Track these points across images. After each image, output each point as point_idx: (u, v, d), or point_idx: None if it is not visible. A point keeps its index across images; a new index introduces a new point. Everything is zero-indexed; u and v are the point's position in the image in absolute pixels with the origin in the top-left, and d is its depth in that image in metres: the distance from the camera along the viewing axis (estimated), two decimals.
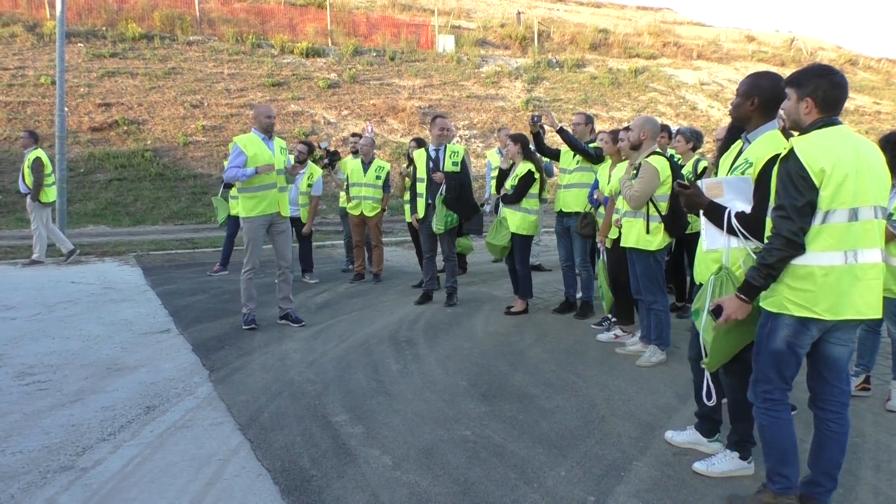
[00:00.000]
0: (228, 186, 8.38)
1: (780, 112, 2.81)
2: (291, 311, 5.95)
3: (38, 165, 8.76)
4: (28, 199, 8.93)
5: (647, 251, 4.76)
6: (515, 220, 6.25)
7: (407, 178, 7.64)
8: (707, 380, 3.24)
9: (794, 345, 2.61)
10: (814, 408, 2.77)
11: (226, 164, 8.39)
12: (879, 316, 2.64)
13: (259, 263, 5.82)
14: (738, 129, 3.20)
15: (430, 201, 6.63)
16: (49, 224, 9.12)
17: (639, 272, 4.88)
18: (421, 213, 6.74)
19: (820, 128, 2.59)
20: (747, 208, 2.90)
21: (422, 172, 6.66)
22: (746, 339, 2.95)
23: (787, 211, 2.52)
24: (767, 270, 2.57)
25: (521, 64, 24.77)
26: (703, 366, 3.11)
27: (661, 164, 4.65)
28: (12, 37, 18.35)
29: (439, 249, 6.84)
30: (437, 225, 6.51)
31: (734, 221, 2.87)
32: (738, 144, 3.15)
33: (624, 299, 5.40)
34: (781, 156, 2.59)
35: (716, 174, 3.37)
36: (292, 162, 6.22)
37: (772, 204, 2.64)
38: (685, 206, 3.21)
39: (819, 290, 2.52)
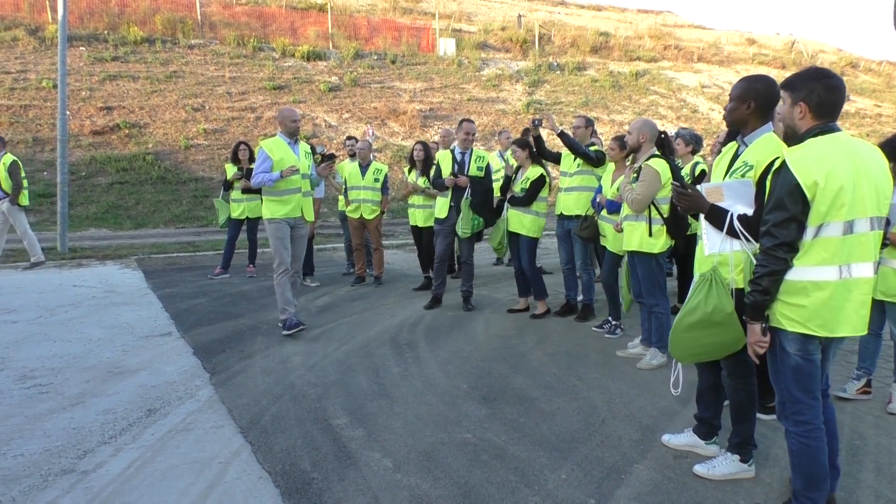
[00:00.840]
0: (229, 188, 8.38)
1: (777, 115, 2.77)
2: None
3: (16, 168, 8.57)
4: (6, 204, 8.65)
5: (650, 254, 4.76)
6: (526, 222, 6.27)
7: (422, 180, 7.53)
8: (678, 369, 3.43)
9: (807, 355, 2.57)
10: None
11: (228, 166, 8.48)
12: (866, 332, 2.62)
13: (290, 263, 5.70)
14: (737, 134, 3.19)
15: (452, 204, 6.62)
16: (3, 229, 8.87)
17: (640, 275, 4.88)
18: (443, 213, 6.73)
19: (816, 135, 2.51)
20: (749, 211, 2.88)
21: (447, 173, 6.64)
22: (712, 340, 2.96)
23: (767, 226, 2.49)
24: (754, 287, 2.55)
25: (521, 67, 24.80)
26: (668, 352, 3.20)
27: (661, 167, 4.65)
28: (14, 40, 18.40)
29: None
30: (464, 229, 6.49)
31: (736, 223, 2.86)
32: (731, 147, 3.13)
33: None
34: (774, 167, 2.55)
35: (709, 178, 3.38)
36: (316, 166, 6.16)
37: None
38: (685, 210, 3.21)
39: (812, 305, 2.48)
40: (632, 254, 4.91)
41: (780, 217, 2.46)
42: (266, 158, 5.54)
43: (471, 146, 6.68)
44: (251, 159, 8.34)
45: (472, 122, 6.79)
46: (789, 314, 2.54)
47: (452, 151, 6.72)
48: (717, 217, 2.95)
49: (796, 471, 2.68)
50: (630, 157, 5.33)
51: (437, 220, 6.82)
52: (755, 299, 2.56)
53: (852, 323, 2.52)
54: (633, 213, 4.79)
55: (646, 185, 4.63)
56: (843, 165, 2.43)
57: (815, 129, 2.54)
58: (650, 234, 4.71)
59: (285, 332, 5.63)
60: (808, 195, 2.41)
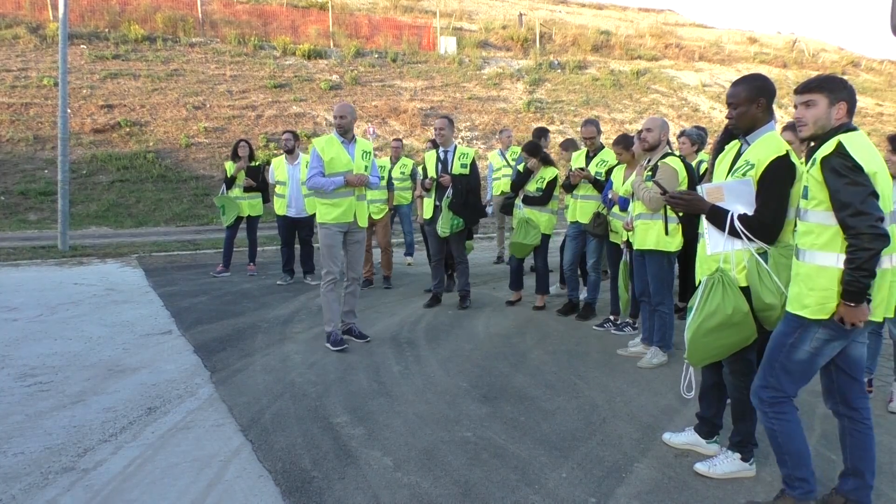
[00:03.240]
0: (231, 186, 8.27)
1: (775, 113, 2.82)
2: (355, 327, 5.53)
3: None
4: None
5: (666, 252, 4.75)
6: (543, 220, 6.37)
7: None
8: (690, 374, 3.42)
9: (818, 355, 2.59)
10: (846, 409, 2.76)
11: (228, 164, 8.44)
12: (893, 315, 2.67)
13: (339, 272, 5.38)
14: (732, 134, 3.22)
15: (437, 203, 6.60)
16: None
17: (651, 274, 4.84)
18: (428, 214, 6.71)
19: (846, 132, 2.57)
20: (749, 210, 2.91)
21: (432, 173, 6.62)
22: (728, 341, 2.97)
23: (853, 207, 2.41)
24: (861, 274, 2.42)
25: (522, 66, 24.78)
26: (684, 359, 3.22)
27: (679, 166, 4.67)
28: (15, 38, 18.40)
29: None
30: (443, 228, 6.47)
31: (737, 223, 2.89)
32: (734, 146, 3.14)
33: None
34: (823, 154, 2.52)
35: (711, 178, 3.39)
36: (378, 166, 5.76)
37: (804, 207, 2.62)
38: (686, 212, 3.24)
39: (874, 293, 2.53)
40: (642, 252, 4.88)
41: (863, 194, 2.42)
42: (317, 158, 5.19)
43: (450, 142, 6.59)
44: (251, 157, 8.33)
45: (444, 118, 6.69)
46: (826, 303, 2.54)
47: (437, 150, 6.70)
48: (718, 217, 2.97)
49: (780, 452, 2.72)
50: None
51: (425, 221, 6.82)
52: (864, 284, 2.43)
53: (889, 307, 2.61)
54: (647, 212, 4.77)
55: (663, 183, 4.62)
56: (878, 158, 2.54)
57: (842, 127, 2.60)
58: (666, 233, 4.70)
59: (330, 347, 5.20)
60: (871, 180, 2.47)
